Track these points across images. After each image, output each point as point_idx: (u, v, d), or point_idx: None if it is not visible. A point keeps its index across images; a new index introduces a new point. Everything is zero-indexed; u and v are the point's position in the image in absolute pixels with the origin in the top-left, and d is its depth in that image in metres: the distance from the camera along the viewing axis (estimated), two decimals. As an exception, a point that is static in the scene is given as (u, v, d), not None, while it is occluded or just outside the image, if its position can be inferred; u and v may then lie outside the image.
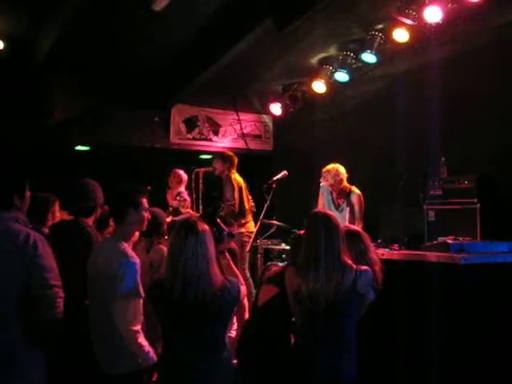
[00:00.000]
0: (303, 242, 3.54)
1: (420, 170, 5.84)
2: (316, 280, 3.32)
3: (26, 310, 3.10)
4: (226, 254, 3.61)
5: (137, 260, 3.46)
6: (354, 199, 6.33)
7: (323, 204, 6.46)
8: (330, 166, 6.35)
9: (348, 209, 6.29)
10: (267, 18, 5.88)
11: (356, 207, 6.29)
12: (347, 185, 6.40)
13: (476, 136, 5.89)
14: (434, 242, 4.73)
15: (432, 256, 4.19)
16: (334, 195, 6.45)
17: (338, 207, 6.40)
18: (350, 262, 3.41)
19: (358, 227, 5.45)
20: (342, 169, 6.36)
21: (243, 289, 3.42)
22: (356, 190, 6.38)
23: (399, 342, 3.40)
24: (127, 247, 3.55)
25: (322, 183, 6.42)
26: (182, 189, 7.20)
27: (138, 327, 3.35)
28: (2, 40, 6.92)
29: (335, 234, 3.45)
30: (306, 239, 3.52)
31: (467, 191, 5.68)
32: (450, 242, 4.33)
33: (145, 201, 3.70)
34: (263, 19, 5.97)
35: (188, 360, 3.07)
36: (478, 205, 5.52)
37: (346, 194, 6.38)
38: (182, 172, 7.33)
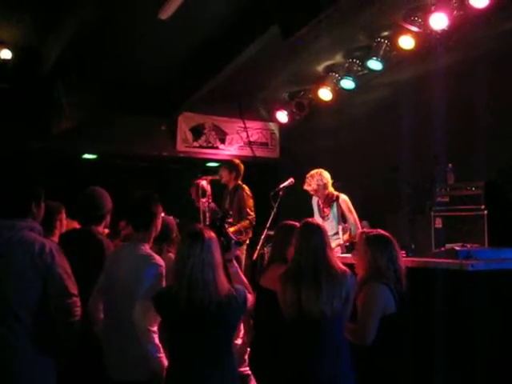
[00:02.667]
0: (295, 252, 3.54)
1: (427, 176, 5.83)
2: (309, 292, 3.32)
3: (42, 320, 3.12)
4: (234, 262, 3.62)
5: (163, 263, 3.50)
6: (343, 204, 6.13)
7: (316, 217, 6.38)
8: (314, 171, 6.22)
9: (331, 216, 6.14)
10: (273, 25, 5.90)
11: (347, 212, 6.11)
12: (333, 192, 6.27)
13: (483, 142, 5.87)
14: (442, 248, 4.72)
15: (440, 263, 4.18)
16: (320, 203, 6.32)
17: (323, 216, 6.24)
18: (344, 268, 3.41)
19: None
20: (326, 173, 6.20)
21: (250, 297, 3.42)
22: (342, 196, 6.20)
23: (406, 352, 3.39)
24: (151, 251, 3.62)
25: (307, 188, 6.32)
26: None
27: (155, 328, 3.36)
28: (10, 50, 7.00)
29: (325, 243, 3.47)
30: (298, 248, 3.53)
31: (475, 198, 5.69)
32: (457, 248, 4.31)
33: (161, 208, 3.81)
34: (269, 27, 5.99)
35: (193, 368, 3.07)
36: (486, 211, 5.52)
37: (333, 202, 6.21)
38: (204, 183, 7.30)
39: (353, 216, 6.11)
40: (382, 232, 3.79)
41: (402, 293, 3.58)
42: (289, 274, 3.46)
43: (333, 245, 4.54)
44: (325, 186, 6.19)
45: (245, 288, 3.46)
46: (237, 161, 7.49)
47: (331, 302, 3.28)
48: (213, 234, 3.20)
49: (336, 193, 6.26)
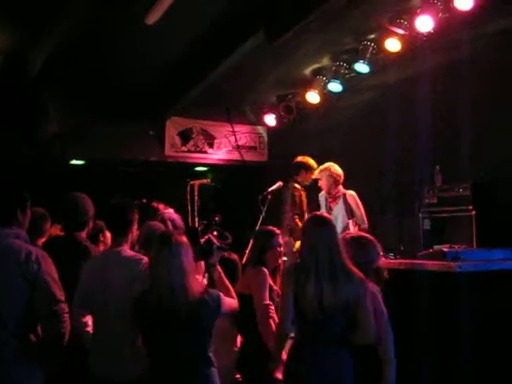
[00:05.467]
0: (301, 245, 3.52)
1: (414, 178, 5.85)
2: (318, 285, 3.26)
3: (30, 326, 3.12)
4: (218, 267, 3.61)
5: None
6: (350, 199, 6.22)
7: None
8: (326, 164, 6.34)
9: (341, 215, 6.17)
10: (259, 30, 5.91)
11: (354, 207, 6.19)
12: (341, 188, 6.33)
13: (469, 143, 5.90)
14: (430, 250, 4.73)
15: (428, 264, 4.19)
16: (328, 198, 6.38)
17: (329, 211, 6.27)
18: (356, 270, 3.36)
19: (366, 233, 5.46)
20: (338, 168, 6.31)
21: (232, 302, 3.41)
22: (350, 192, 6.29)
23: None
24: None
25: (317, 178, 6.33)
26: None
27: None
28: (-3, 55, 6.96)
29: (334, 237, 3.40)
30: (305, 243, 3.47)
31: (462, 199, 5.72)
32: (445, 250, 4.33)
33: (137, 215, 3.85)
34: (255, 32, 6.00)
35: (168, 373, 3.09)
36: (474, 212, 5.55)
37: (340, 197, 6.28)
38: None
39: (360, 211, 6.20)
40: (362, 233, 3.80)
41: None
42: (303, 268, 3.37)
43: None
44: (335, 180, 6.23)
45: (227, 293, 3.46)
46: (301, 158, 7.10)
47: (346, 297, 3.25)
48: (183, 239, 3.20)
49: (343, 190, 6.29)
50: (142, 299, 3.15)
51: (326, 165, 6.31)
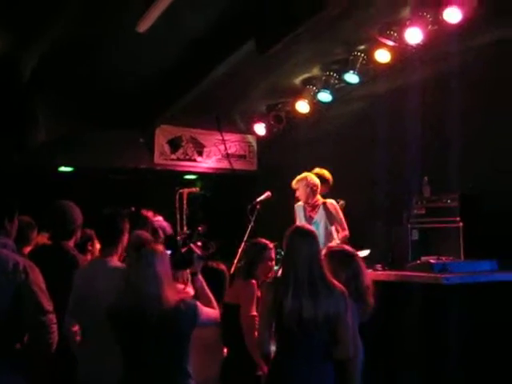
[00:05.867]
0: (283, 258, 3.51)
1: (403, 189, 5.87)
2: (296, 299, 3.21)
3: (16, 336, 3.07)
4: (200, 276, 3.60)
5: None
6: (330, 207, 6.15)
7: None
8: (304, 175, 6.24)
9: (323, 222, 6.12)
10: (249, 40, 5.92)
11: (336, 215, 6.12)
12: (319, 198, 6.27)
13: (458, 155, 5.94)
14: (418, 261, 4.74)
15: (415, 276, 4.19)
16: (307, 208, 6.32)
17: (310, 221, 6.20)
18: (335, 282, 3.33)
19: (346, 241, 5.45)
20: (315, 178, 6.23)
21: (213, 312, 3.41)
22: (329, 200, 6.23)
23: (381, 365, 3.37)
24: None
25: (294, 187, 6.31)
26: None
27: None
28: (-14, 61, 6.92)
29: (316, 249, 3.36)
30: (286, 255, 3.44)
31: (450, 210, 5.75)
32: (432, 261, 4.34)
33: (128, 224, 3.87)
34: (245, 42, 6.02)
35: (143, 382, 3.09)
36: (461, 223, 5.57)
37: (319, 206, 6.23)
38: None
39: (341, 218, 6.15)
40: (347, 248, 3.77)
41: (366, 307, 3.54)
42: (283, 281, 3.34)
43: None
44: (312, 189, 6.19)
45: (208, 303, 3.45)
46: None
47: (326, 312, 3.21)
48: (158, 247, 3.23)
49: (322, 200, 6.28)
50: (116, 305, 3.15)
51: (303, 175, 6.25)
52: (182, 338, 3.15)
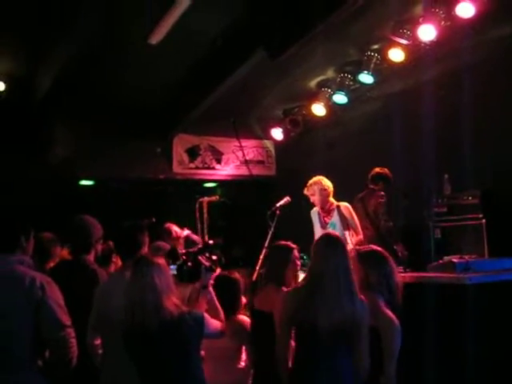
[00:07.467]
0: (309, 267, 3.47)
1: (422, 187, 5.81)
2: (319, 309, 3.17)
3: (36, 352, 3.11)
4: (210, 289, 3.60)
5: None
6: (344, 211, 6.07)
7: (317, 229, 6.33)
8: (315, 178, 6.15)
9: (338, 226, 6.02)
10: (260, 47, 5.93)
11: (350, 219, 6.04)
12: (333, 201, 6.21)
13: (477, 151, 5.86)
14: (440, 261, 4.67)
15: (437, 277, 4.14)
16: (321, 213, 6.25)
17: (324, 226, 6.17)
18: (362, 296, 3.28)
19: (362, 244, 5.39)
20: (327, 181, 6.14)
21: (218, 324, 3.39)
22: (343, 203, 6.14)
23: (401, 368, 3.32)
24: None
25: (307, 194, 6.24)
26: None
27: None
28: (3, 81, 7.03)
29: (344, 258, 3.30)
30: (312, 264, 3.39)
31: (472, 207, 5.67)
32: (455, 261, 4.27)
33: (147, 237, 3.90)
34: (256, 49, 6.02)
35: None
36: (484, 220, 5.50)
37: (333, 210, 6.14)
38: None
39: (355, 222, 6.07)
40: (375, 248, 3.73)
41: (396, 307, 3.51)
42: (306, 290, 3.30)
43: None
44: (326, 193, 6.14)
45: (217, 315, 3.44)
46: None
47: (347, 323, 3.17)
48: (158, 260, 3.26)
49: (336, 202, 6.22)
50: (123, 319, 3.17)
51: (315, 179, 6.17)
52: (189, 348, 3.17)
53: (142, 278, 3.14)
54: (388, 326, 3.32)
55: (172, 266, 3.66)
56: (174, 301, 3.17)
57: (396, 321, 3.32)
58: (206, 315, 3.29)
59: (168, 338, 3.08)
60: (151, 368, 3.12)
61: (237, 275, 4.35)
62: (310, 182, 6.20)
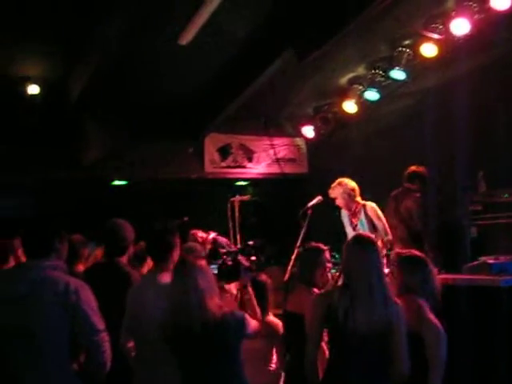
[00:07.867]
0: (341, 268, 3.44)
1: (456, 185, 5.70)
2: (352, 311, 3.12)
3: (71, 356, 3.14)
4: (249, 288, 3.61)
5: None
6: (371, 212, 6.02)
7: (348, 230, 6.27)
8: (339, 180, 6.13)
9: (365, 226, 5.99)
10: (288, 48, 5.90)
11: (375, 220, 5.99)
12: (359, 201, 6.16)
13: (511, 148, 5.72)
14: (475, 262, 4.57)
15: (471, 280, 4.05)
16: (349, 214, 6.21)
17: (354, 227, 6.14)
18: (395, 298, 3.23)
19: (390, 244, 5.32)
20: (351, 182, 6.10)
21: (255, 323, 3.39)
22: (369, 203, 6.10)
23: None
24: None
25: (331, 195, 6.15)
26: None
27: None
28: (38, 85, 7.14)
29: (376, 259, 3.24)
30: (345, 265, 3.36)
31: (508, 205, 5.55)
32: (490, 262, 4.17)
33: (178, 239, 3.88)
34: (284, 50, 6.00)
35: None
36: (521, 218, 5.38)
37: (361, 211, 6.10)
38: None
39: (382, 223, 6.01)
40: (415, 252, 3.65)
41: (440, 313, 3.44)
42: (339, 292, 3.24)
43: None
44: (350, 195, 6.08)
45: (254, 315, 3.45)
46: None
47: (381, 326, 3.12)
48: (199, 262, 3.28)
49: (362, 202, 6.15)
50: (164, 321, 3.21)
51: (337, 182, 6.12)
52: (232, 348, 3.18)
53: (185, 280, 3.16)
54: (433, 332, 3.25)
55: (212, 266, 3.71)
56: (216, 301, 3.19)
57: (441, 327, 3.24)
58: (247, 315, 3.31)
59: (211, 339, 3.10)
60: (194, 369, 3.15)
61: (264, 277, 4.35)
62: (333, 184, 6.16)
